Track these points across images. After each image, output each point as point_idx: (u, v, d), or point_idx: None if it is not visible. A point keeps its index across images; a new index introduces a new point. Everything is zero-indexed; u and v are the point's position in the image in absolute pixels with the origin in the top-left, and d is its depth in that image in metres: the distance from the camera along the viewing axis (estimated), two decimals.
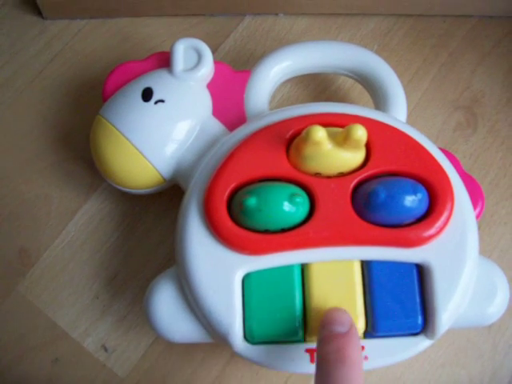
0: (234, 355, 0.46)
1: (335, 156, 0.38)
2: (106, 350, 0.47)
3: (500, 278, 0.39)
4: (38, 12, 0.54)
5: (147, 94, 0.43)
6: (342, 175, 0.39)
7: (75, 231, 0.49)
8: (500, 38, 0.54)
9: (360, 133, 0.35)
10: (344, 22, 0.55)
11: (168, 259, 0.48)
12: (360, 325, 0.37)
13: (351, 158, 0.38)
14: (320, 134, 0.35)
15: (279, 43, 0.52)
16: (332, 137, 0.37)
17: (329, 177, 0.39)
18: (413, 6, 0.53)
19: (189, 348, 0.47)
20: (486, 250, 0.48)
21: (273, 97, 0.52)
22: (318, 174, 0.39)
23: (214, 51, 0.53)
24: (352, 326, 0.34)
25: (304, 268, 0.38)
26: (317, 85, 0.53)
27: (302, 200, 0.37)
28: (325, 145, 0.37)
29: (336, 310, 0.35)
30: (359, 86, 0.50)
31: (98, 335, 0.47)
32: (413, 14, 0.54)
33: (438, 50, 0.54)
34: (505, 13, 0.54)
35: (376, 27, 0.54)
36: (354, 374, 0.31)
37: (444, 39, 0.54)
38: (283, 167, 0.39)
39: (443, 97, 0.53)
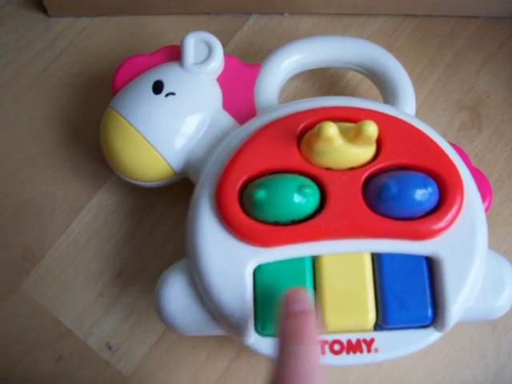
0: (239, 354, 0.46)
1: (346, 151, 0.38)
2: (110, 348, 0.46)
3: (508, 272, 0.39)
4: (44, 10, 0.54)
5: (158, 87, 0.43)
6: (353, 168, 0.39)
7: (80, 228, 0.49)
8: (505, 39, 0.54)
9: (371, 129, 0.36)
10: (349, 22, 0.55)
11: (175, 256, 0.47)
12: (370, 317, 0.37)
13: (362, 153, 0.39)
14: (332, 130, 0.36)
15: (285, 42, 0.52)
16: (343, 133, 0.37)
17: (340, 170, 0.39)
18: (418, 6, 0.54)
19: (193, 346, 0.46)
20: None
21: (280, 93, 0.52)
22: (328, 169, 0.39)
23: None
24: (311, 306, 0.34)
25: (315, 260, 0.38)
26: (324, 81, 0.53)
27: (312, 191, 0.37)
28: (336, 141, 0.37)
29: (297, 289, 0.35)
30: (367, 83, 0.50)
31: (103, 333, 0.47)
32: (418, 14, 0.55)
33: (443, 50, 0.54)
34: (510, 14, 0.54)
35: (381, 27, 0.55)
36: (311, 351, 0.32)
37: (449, 40, 0.54)
38: (294, 160, 0.39)
39: (448, 97, 0.53)
